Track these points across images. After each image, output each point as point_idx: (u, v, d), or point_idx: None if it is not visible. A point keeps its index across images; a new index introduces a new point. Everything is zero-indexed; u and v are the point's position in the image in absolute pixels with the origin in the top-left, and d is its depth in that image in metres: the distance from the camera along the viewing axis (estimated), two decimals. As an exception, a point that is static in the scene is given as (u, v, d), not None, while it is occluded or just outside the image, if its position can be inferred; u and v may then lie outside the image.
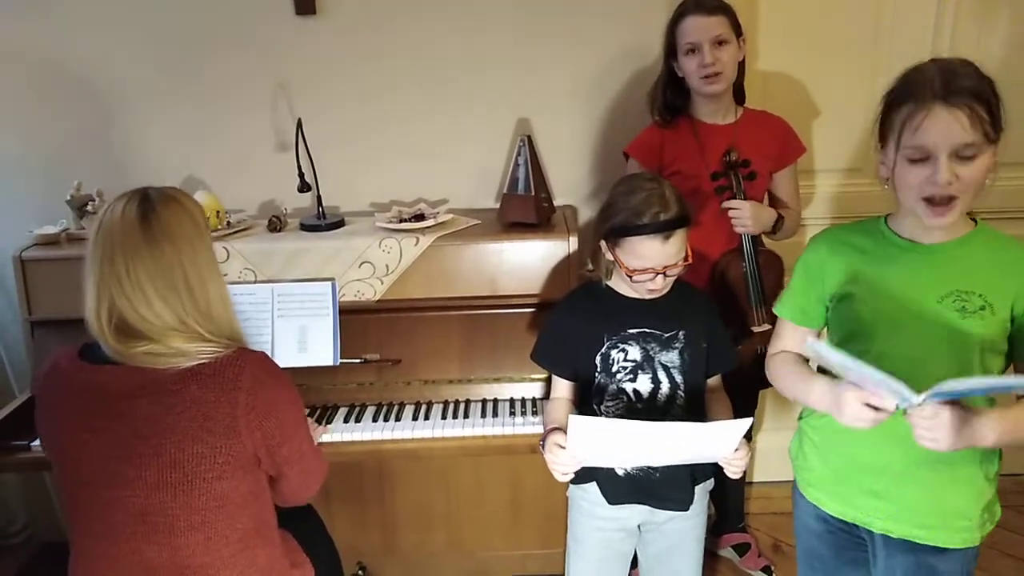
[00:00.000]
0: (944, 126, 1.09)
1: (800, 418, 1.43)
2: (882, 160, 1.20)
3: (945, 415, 1.07)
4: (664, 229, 1.35)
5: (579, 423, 1.26)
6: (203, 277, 1.21)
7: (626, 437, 1.29)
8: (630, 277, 1.41)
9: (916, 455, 1.17)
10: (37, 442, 1.70)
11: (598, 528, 1.54)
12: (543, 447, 1.41)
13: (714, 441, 1.31)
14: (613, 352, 1.46)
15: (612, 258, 1.44)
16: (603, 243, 1.45)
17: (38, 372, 1.28)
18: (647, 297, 1.45)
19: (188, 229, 1.21)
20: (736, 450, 1.33)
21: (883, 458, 1.25)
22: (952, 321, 1.17)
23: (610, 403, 1.48)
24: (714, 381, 1.55)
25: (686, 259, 1.41)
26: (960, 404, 1.10)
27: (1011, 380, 1.07)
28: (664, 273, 1.39)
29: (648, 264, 1.38)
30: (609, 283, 1.50)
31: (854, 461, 1.29)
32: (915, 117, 1.11)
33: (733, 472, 1.36)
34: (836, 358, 1.11)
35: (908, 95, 1.13)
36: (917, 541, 1.26)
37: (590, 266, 1.54)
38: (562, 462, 1.35)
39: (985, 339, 1.17)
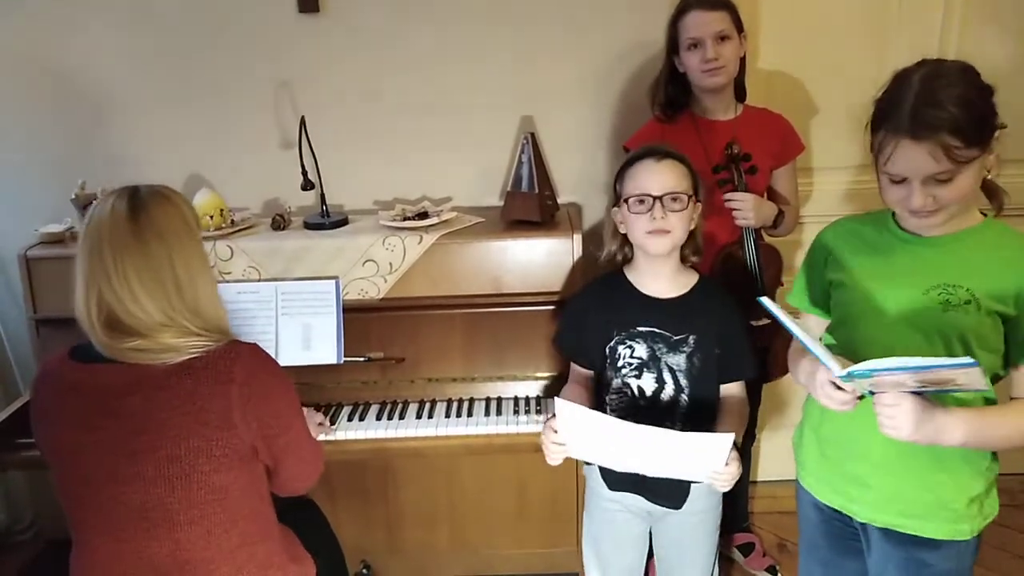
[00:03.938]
0: (912, 160, 1.10)
1: (804, 403, 1.44)
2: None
3: (906, 404, 1.09)
4: (656, 153, 1.41)
5: (562, 406, 1.27)
6: (192, 274, 1.21)
7: (608, 433, 1.28)
8: (627, 205, 1.41)
9: (895, 442, 1.17)
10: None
11: (605, 509, 1.56)
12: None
13: (697, 453, 1.26)
14: (620, 348, 1.46)
15: (621, 221, 1.45)
16: (613, 211, 1.47)
17: (33, 376, 1.28)
18: (655, 252, 1.42)
19: (177, 226, 1.21)
20: (726, 464, 1.27)
21: (865, 445, 1.26)
22: (934, 313, 1.17)
23: (614, 397, 1.48)
24: (731, 388, 1.50)
25: (689, 203, 1.40)
26: (926, 397, 1.12)
27: (936, 360, 1.02)
28: (662, 201, 1.37)
29: (643, 187, 1.39)
30: (629, 276, 1.50)
31: (841, 447, 1.31)
32: (886, 147, 1.12)
33: (720, 486, 1.32)
34: (784, 321, 1.14)
35: (884, 119, 1.13)
36: (900, 530, 1.26)
37: (606, 250, 1.53)
38: (552, 444, 1.35)
39: (969, 333, 1.16)
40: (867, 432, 1.23)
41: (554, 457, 1.37)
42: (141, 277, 1.17)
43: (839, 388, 1.16)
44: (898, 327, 1.20)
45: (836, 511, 1.35)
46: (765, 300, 1.19)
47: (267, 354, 1.26)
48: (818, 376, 1.18)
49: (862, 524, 1.32)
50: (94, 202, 1.25)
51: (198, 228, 1.27)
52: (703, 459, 1.28)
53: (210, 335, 1.21)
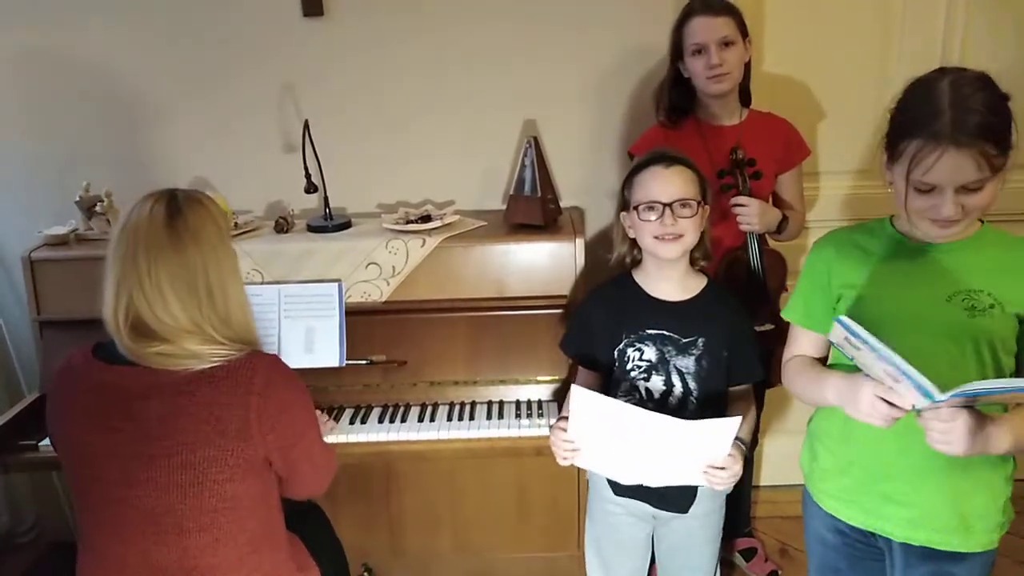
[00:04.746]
0: (954, 169, 1.07)
1: (810, 422, 1.41)
2: (888, 177, 1.19)
3: (962, 419, 1.06)
4: (664, 158, 1.42)
5: (578, 392, 1.26)
6: (224, 282, 1.21)
7: (620, 422, 1.27)
8: (637, 212, 1.41)
9: (932, 458, 1.15)
10: (45, 442, 1.71)
11: (609, 512, 1.56)
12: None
13: (704, 441, 1.26)
14: (629, 350, 1.46)
15: (631, 226, 1.45)
16: (623, 216, 1.47)
17: (54, 369, 1.28)
18: (666, 256, 1.42)
19: (212, 233, 1.22)
20: (728, 456, 1.28)
21: (899, 462, 1.23)
22: (961, 320, 1.16)
23: (622, 397, 1.48)
24: (740, 390, 1.50)
25: (699, 209, 1.40)
26: (975, 409, 1.09)
27: None
28: (672, 208, 1.37)
29: (653, 194, 1.39)
30: (638, 279, 1.50)
31: (871, 467, 1.27)
32: (926, 156, 1.08)
33: (718, 485, 1.32)
34: (870, 340, 1.07)
35: (919, 127, 1.09)
36: (936, 548, 1.23)
37: (616, 253, 1.53)
38: (562, 443, 1.35)
39: (997, 337, 1.16)
40: (899, 450, 1.21)
41: (564, 456, 1.36)
42: (174, 283, 1.17)
43: (890, 404, 1.10)
44: (926, 336, 1.17)
45: (860, 532, 1.31)
46: (844, 319, 1.10)
47: (286, 366, 1.26)
48: (864, 391, 1.12)
49: (888, 542, 1.28)
50: (130, 204, 1.23)
51: (229, 234, 1.27)
52: (710, 446, 1.27)
53: (234, 344, 1.21)
